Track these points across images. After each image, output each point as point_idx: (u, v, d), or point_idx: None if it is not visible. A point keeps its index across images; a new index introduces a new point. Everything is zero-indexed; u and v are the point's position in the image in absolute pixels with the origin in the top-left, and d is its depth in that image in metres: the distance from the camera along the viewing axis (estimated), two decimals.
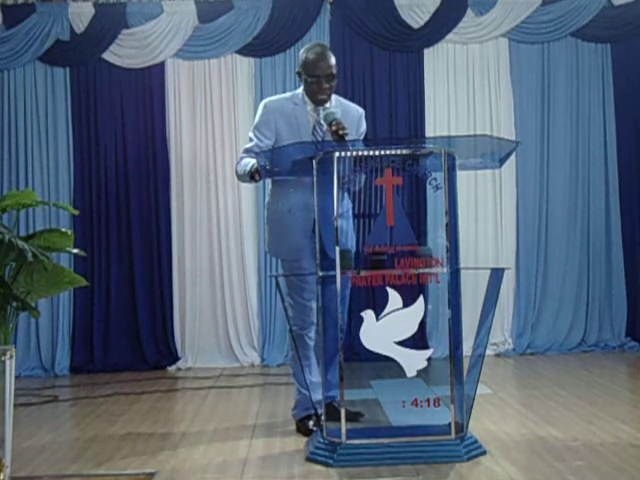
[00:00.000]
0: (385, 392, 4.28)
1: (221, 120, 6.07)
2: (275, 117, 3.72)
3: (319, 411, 3.44)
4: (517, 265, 6.14)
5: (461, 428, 3.22)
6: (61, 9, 5.94)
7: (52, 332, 5.95)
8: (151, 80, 6.05)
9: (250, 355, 6.00)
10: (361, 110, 3.89)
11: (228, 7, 6.01)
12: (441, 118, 6.13)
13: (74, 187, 6.01)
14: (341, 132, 3.43)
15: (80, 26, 5.96)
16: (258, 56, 6.07)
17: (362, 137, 3.82)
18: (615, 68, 6.17)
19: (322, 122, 3.59)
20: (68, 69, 6.03)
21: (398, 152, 3.20)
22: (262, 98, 5.30)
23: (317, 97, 3.65)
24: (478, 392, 3.38)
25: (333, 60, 3.65)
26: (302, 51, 3.72)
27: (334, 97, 3.74)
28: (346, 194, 3.53)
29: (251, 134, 3.78)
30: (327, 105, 3.66)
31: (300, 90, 3.76)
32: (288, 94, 3.90)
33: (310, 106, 3.70)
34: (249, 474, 3.12)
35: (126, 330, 5.98)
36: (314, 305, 3.62)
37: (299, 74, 3.71)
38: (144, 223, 6.02)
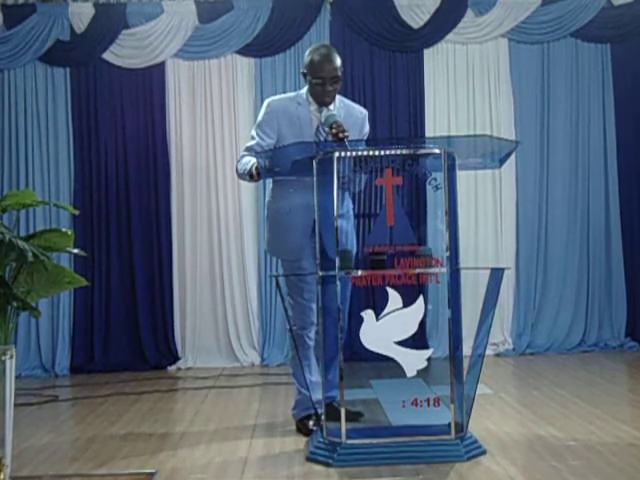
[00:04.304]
0: (385, 392, 4.28)
1: (221, 120, 6.07)
2: (278, 116, 3.71)
3: (319, 411, 3.44)
4: (517, 265, 6.15)
5: (461, 428, 3.22)
6: (61, 9, 5.94)
7: (52, 332, 5.96)
8: (151, 80, 6.05)
9: (250, 355, 6.00)
10: (365, 111, 3.89)
11: (228, 7, 6.01)
12: (441, 118, 6.14)
13: (74, 187, 6.01)
14: (341, 135, 3.43)
15: (80, 26, 5.97)
16: (258, 56, 6.08)
17: (365, 139, 3.82)
18: (615, 68, 6.17)
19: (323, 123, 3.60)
20: (68, 69, 6.03)
21: (398, 152, 3.21)
22: (262, 98, 5.33)
23: (321, 99, 3.64)
24: (478, 392, 3.38)
25: (338, 62, 3.64)
26: (308, 52, 3.71)
27: (338, 98, 3.74)
28: (347, 194, 3.54)
29: (253, 132, 3.79)
30: (331, 107, 3.66)
31: (304, 90, 3.76)
32: (292, 94, 3.90)
33: (314, 106, 3.69)
34: (249, 474, 3.12)
35: (126, 330, 5.98)
36: (314, 305, 3.63)
37: (304, 75, 3.70)
38: (144, 223, 6.02)
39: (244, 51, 6.07)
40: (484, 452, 3.23)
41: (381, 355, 3.21)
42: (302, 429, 3.70)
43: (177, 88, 6.09)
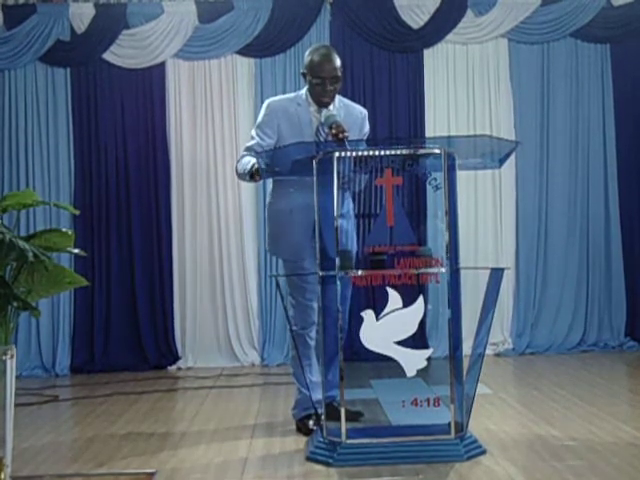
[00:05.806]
0: (385, 392, 4.29)
1: (221, 120, 6.07)
2: (278, 117, 3.72)
3: (319, 411, 3.44)
4: (517, 265, 6.15)
5: (461, 428, 3.22)
6: (62, 9, 5.94)
7: (53, 332, 5.96)
8: (151, 80, 6.05)
9: (250, 355, 6.01)
10: (364, 111, 3.89)
11: (228, 7, 6.02)
12: (441, 118, 6.14)
13: (74, 187, 6.01)
14: (341, 135, 3.43)
15: (81, 26, 5.97)
16: (258, 56, 6.08)
17: (365, 138, 3.83)
18: (615, 68, 6.17)
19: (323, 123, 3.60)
20: (69, 69, 6.03)
21: (398, 152, 3.21)
22: (262, 98, 5.34)
23: (321, 99, 3.65)
24: (478, 392, 3.38)
25: (338, 62, 3.65)
26: (307, 52, 3.72)
27: (338, 98, 3.75)
28: (348, 194, 3.54)
29: (253, 132, 3.79)
30: (330, 107, 3.67)
31: (304, 91, 3.77)
32: (292, 94, 3.90)
33: (313, 107, 3.70)
34: (249, 474, 3.12)
35: (126, 330, 5.99)
36: (315, 305, 3.63)
37: (304, 75, 3.71)
38: (144, 223, 6.03)
39: (244, 51, 6.08)
40: (484, 452, 3.23)
41: (381, 355, 3.21)
42: (302, 429, 3.70)
43: (177, 88, 6.09)
